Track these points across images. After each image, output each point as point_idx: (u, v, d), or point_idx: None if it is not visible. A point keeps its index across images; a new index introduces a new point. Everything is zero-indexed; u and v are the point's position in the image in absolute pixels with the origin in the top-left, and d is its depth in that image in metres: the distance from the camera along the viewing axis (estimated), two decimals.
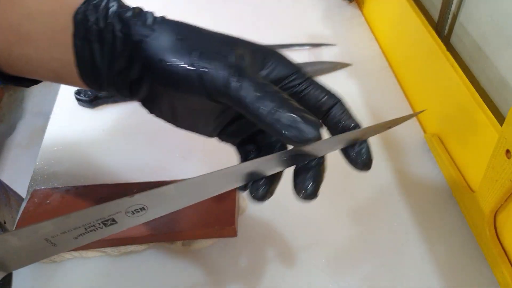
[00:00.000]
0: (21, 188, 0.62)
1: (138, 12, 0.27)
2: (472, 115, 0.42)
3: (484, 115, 0.40)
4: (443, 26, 0.50)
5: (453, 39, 0.50)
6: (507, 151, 0.33)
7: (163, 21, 0.27)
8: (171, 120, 0.30)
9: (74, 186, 0.43)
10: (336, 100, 0.28)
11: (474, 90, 0.43)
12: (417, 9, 0.55)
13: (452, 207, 0.45)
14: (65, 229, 0.23)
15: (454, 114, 0.47)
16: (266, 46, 0.29)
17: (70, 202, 0.42)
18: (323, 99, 0.28)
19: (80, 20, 0.26)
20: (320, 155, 0.27)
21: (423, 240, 0.42)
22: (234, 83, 0.25)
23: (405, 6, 0.56)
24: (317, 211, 0.45)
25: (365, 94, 0.58)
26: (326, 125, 0.28)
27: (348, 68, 0.62)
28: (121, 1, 0.28)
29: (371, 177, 0.48)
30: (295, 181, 0.27)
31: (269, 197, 0.27)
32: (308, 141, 0.24)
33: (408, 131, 0.53)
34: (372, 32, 0.68)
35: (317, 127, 0.24)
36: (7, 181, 0.66)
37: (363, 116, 0.55)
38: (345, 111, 0.28)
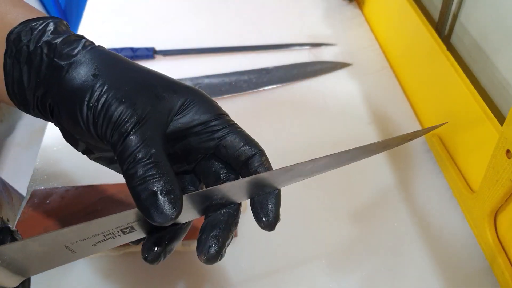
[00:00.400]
0: (21, 188, 0.62)
1: (71, 40, 0.26)
2: (473, 115, 0.42)
3: (485, 115, 0.40)
4: (443, 26, 0.50)
5: (454, 39, 0.50)
6: (508, 151, 0.33)
7: (89, 51, 0.26)
8: (86, 153, 0.29)
9: (74, 186, 0.43)
10: (255, 151, 0.27)
11: (475, 90, 0.43)
12: (417, 8, 0.55)
13: (452, 207, 0.45)
14: (85, 236, 0.23)
15: (455, 114, 0.47)
16: (192, 89, 0.28)
17: (70, 202, 0.42)
18: (242, 148, 0.27)
19: (13, 40, 0.26)
20: (227, 202, 0.26)
21: (423, 240, 0.42)
22: (124, 135, 0.24)
23: (405, 6, 0.56)
24: (318, 211, 0.44)
25: (365, 94, 0.58)
26: (242, 176, 0.27)
27: (348, 68, 0.62)
28: (61, 25, 0.27)
29: (372, 178, 0.48)
30: (198, 238, 0.25)
31: (163, 259, 0.26)
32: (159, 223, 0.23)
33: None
34: (372, 32, 0.68)
35: (166, 214, 0.22)
36: (6, 181, 0.66)
37: (363, 116, 0.55)
38: (262, 163, 0.27)
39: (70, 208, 0.41)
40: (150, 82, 0.26)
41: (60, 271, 0.40)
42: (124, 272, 0.40)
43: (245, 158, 0.26)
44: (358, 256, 0.41)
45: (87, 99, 0.25)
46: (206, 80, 0.59)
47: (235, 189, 0.25)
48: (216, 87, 0.58)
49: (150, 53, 0.62)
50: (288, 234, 0.43)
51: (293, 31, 0.68)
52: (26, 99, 0.27)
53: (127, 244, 0.42)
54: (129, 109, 0.24)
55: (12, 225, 0.26)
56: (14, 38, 0.26)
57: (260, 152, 0.27)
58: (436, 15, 0.52)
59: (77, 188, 0.43)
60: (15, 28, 0.26)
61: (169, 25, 0.69)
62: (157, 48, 0.64)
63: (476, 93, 0.42)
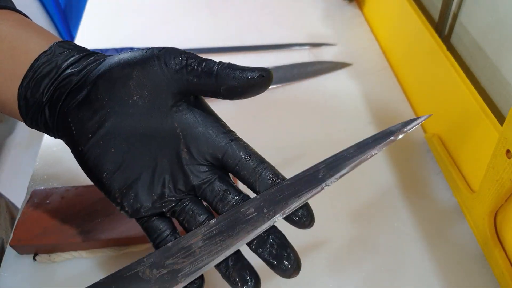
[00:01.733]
0: (21, 188, 0.62)
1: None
2: (473, 115, 0.42)
3: (485, 115, 0.40)
4: (443, 26, 0.50)
5: (454, 39, 0.50)
6: (508, 151, 0.33)
7: None
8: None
9: (74, 186, 0.43)
10: (259, 161, 0.28)
11: (475, 90, 0.43)
12: (417, 8, 0.55)
13: (452, 207, 0.45)
14: None
15: (455, 114, 0.47)
16: None
17: (70, 202, 0.42)
18: (250, 156, 0.28)
19: (58, 44, 0.28)
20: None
21: (423, 240, 0.42)
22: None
23: (405, 6, 0.56)
24: (318, 211, 0.44)
25: (365, 94, 0.58)
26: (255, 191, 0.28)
27: (348, 68, 0.62)
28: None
29: (372, 177, 0.48)
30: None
31: None
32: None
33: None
34: (372, 32, 0.68)
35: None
36: (6, 181, 0.66)
37: (363, 116, 0.55)
38: (275, 172, 0.28)
39: (70, 208, 0.41)
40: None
41: (59, 271, 0.40)
42: None
43: (255, 164, 0.28)
44: (358, 256, 0.41)
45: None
46: None
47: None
48: None
49: None
50: (287, 234, 0.42)
51: (293, 31, 0.68)
52: (38, 91, 0.27)
53: (126, 244, 0.42)
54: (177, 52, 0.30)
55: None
56: (60, 44, 0.28)
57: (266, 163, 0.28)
58: (436, 15, 0.52)
59: (77, 188, 0.43)
60: (64, 40, 0.29)
61: (169, 25, 0.69)
62: None
63: (476, 93, 0.42)
